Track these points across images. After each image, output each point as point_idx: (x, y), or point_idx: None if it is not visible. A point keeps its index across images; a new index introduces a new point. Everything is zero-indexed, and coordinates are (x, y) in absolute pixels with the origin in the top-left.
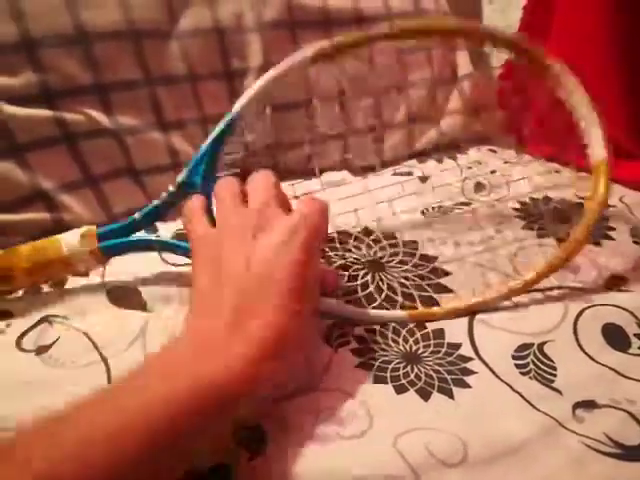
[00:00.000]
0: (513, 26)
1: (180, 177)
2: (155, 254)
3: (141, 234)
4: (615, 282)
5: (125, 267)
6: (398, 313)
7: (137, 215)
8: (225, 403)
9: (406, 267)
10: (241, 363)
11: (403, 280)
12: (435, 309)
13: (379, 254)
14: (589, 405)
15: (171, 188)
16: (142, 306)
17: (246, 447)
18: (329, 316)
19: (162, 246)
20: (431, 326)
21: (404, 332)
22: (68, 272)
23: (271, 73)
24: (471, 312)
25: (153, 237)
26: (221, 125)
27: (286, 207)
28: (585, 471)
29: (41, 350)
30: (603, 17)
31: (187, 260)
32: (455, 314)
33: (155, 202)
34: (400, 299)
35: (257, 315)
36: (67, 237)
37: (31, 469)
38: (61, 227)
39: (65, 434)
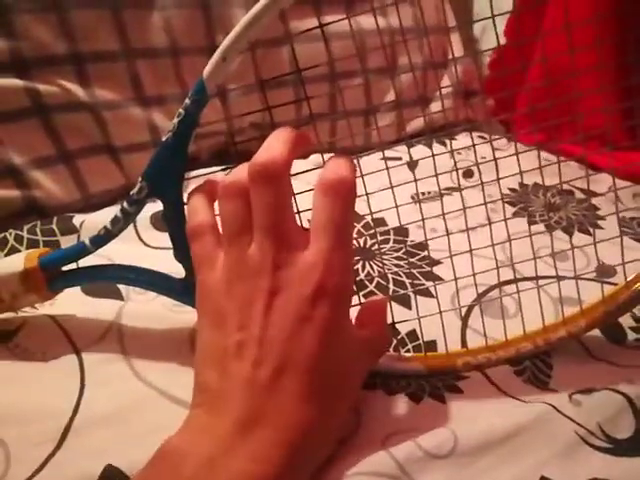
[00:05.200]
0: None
1: (137, 190)
2: (132, 233)
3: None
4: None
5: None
6: (414, 366)
7: (88, 242)
8: None
9: (397, 254)
10: None
11: (394, 268)
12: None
13: (369, 241)
14: (587, 391)
15: (126, 205)
16: (116, 293)
17: None
18: None
19: (142, 281)
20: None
21: None
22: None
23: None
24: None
25: (130, 273)
26: (183, 112)
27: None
28: (574, 465)
29: (4, 337)
30: (598, 9)
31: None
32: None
33: (107, 225)
34: (392, 287)
35: (267, 421)
36: (2, 278)
37: None
38: (32, 205)
39: None
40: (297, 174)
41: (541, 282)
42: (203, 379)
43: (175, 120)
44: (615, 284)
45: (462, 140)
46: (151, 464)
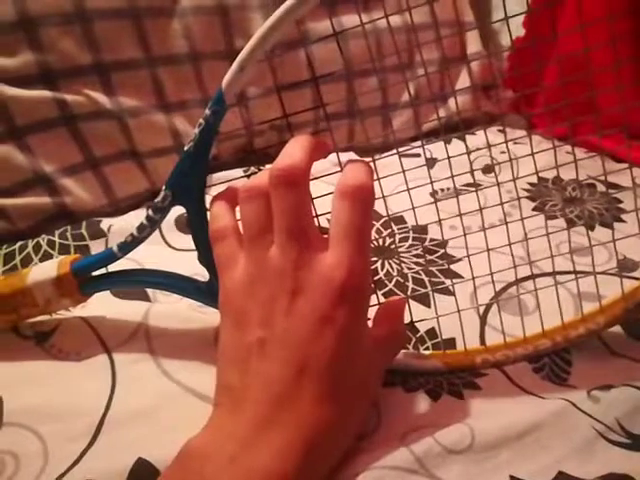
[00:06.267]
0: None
1: (161, 198)
2: (157, 236)
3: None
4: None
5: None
6: (433, 363)
7: (116, 248)
8: None
9: (416, 252)
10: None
11: (414, 266)
12: (477, 359)
13: (388, 240)
14: (606, 387)
15: (151, 213)
16: (144, 295)
17: None
18: None
19: (168, 285)
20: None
21: None
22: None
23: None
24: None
25: (156, 278)
26: (203, 122)
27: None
28: (592, 460)
29: (41, 338)
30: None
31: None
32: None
33: (134, 232)
34: (411, 285)
35: (287, 420)
36: (37, 284)
37: None
38: (63, 211)
39: None
40: (315, 179)
41: (560, 278)
42: (225, 378)
43: (196, 130)
44: (637, 279)
45: (481, 135)
46: (175, 463)
